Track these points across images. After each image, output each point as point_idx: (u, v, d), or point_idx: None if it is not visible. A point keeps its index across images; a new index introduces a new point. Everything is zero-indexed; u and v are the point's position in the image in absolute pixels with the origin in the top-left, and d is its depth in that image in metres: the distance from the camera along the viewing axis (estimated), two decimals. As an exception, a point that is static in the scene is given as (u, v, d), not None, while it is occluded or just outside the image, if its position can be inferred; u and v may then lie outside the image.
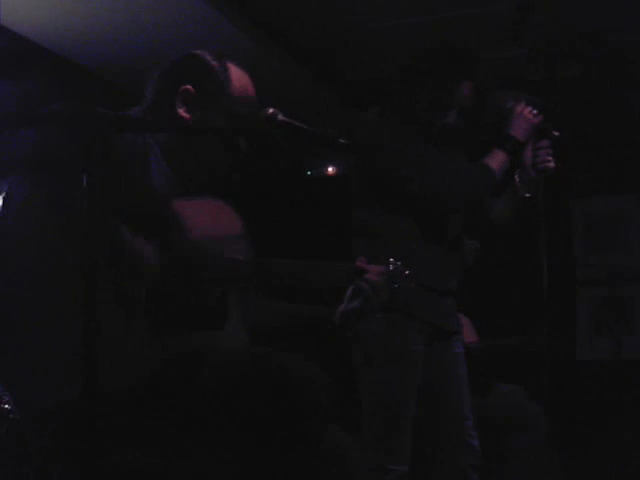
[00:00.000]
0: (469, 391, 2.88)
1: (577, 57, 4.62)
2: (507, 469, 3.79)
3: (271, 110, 1.89)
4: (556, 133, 2.87)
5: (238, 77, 1.99)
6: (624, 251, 5.25)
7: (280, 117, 1.89)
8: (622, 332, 4.91)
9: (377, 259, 2.11)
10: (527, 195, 2.88)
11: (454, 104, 2.81)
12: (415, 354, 2.75)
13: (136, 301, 1.67)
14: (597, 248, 5.31)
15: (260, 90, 2.04)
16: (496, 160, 2.80)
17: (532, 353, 4.15)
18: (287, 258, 1.96)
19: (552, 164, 2.86)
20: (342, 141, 1.89)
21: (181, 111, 1.95)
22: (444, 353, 2.85)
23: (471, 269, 3.71)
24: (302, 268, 2.00)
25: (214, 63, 1.98)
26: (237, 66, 2.01)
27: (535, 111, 2.84)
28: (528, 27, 4.09)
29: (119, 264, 1.66)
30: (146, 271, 1.70)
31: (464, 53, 2.86)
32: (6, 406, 1.99)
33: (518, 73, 4.69)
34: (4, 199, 1.64)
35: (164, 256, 1.71)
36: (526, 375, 4.33)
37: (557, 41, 4.55)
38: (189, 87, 1.95)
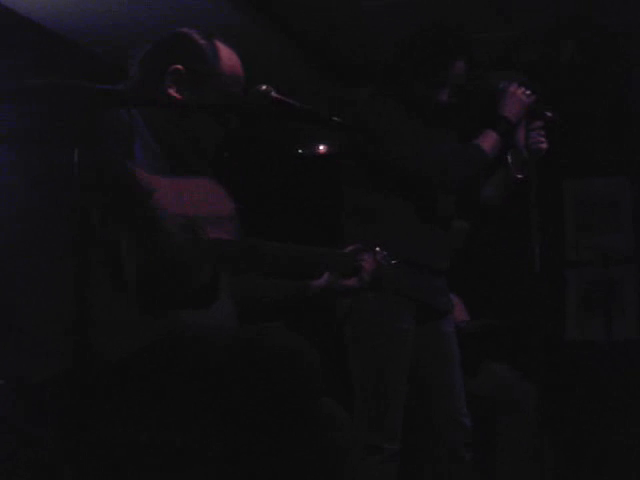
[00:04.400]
0: (460, 370, 2.89)
1: (571, 38, 4.61)
2: (497, 447, 3.82)
3: (264, 87, 1.88)
4: (549, 114, 2.87)
5: (227, 55, 1.98)
6: (615, 232, 5.26)
7: (273, 94, 1.88)
8: (611, 313, 4.93)
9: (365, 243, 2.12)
10: (519, 176, 2.89)
11: (447, 83, 2.81)
12: (405, 333, 2.76)
13: (127, 275, 1.67)
14: (588, 229, 5.33)
15: (253, 68, 2.02)
16: (488, 140, 2.80)
17: (522, 333, 4.17)
18: (278, 236, 1.96)
19: (544, 145, 2.85)
20: (335, 119, 1.89)
21: (171, 91, 1.93)
22: (435, 332, 2.86)
23: (461, 250, 3.72)
24: (296, 252, 2.00)
25: (202, 42, 1.97)
26: (224, 44, 1.99)
27: (528, 92, 2.84)
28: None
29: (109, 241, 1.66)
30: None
31: (457, 32, 2.85)
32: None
33: (511, 53, 4.68)
34: None
35: (144, 256, 1.69)
36: (516, 354, 4.36)
37: (551, 22, 4.54)
38: (179, 67, 1.93)
